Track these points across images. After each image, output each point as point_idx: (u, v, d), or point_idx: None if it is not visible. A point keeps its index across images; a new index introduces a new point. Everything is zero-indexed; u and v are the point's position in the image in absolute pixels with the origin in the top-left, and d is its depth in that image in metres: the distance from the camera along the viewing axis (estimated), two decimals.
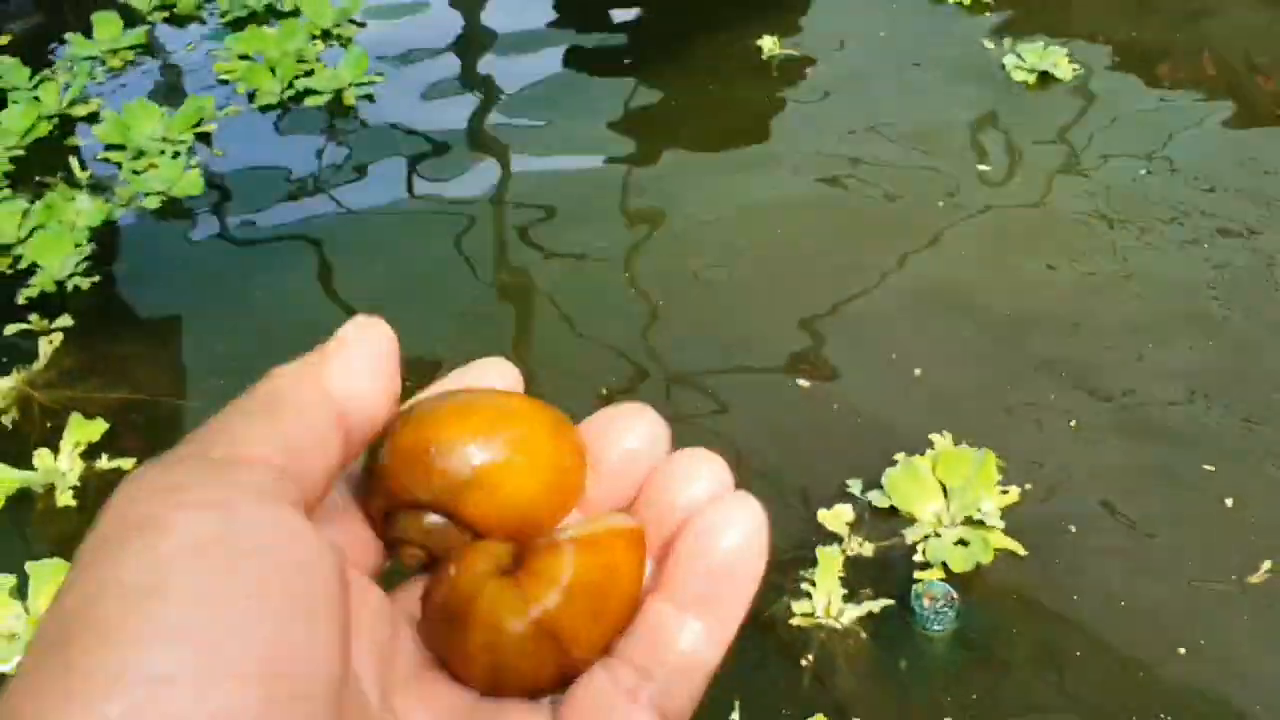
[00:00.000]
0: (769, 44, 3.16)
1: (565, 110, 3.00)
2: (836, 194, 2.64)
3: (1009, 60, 3.01)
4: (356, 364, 0.39)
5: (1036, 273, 2.40)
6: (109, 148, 2.85)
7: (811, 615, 1.77)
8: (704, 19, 3.31)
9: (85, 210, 2.61)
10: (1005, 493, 1.89)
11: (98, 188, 2.74)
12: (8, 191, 2.70)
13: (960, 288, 2.36)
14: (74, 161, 2.80)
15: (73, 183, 2.75)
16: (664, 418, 0.41)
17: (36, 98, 3.00)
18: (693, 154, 2.82)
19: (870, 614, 1.77)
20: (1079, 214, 2.54)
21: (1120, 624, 1.76)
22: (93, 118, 2.97)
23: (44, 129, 2.94)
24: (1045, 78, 2.97)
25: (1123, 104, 2.91)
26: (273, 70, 3.09)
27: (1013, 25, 3.17)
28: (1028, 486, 1.92)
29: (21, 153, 2.87)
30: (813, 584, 1.80)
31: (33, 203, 2.61)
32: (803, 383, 2.15)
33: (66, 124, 2.99)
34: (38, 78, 3.08)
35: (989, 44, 3.11)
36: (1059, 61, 2.97)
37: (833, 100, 2.97)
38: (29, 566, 1.81)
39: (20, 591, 1.81)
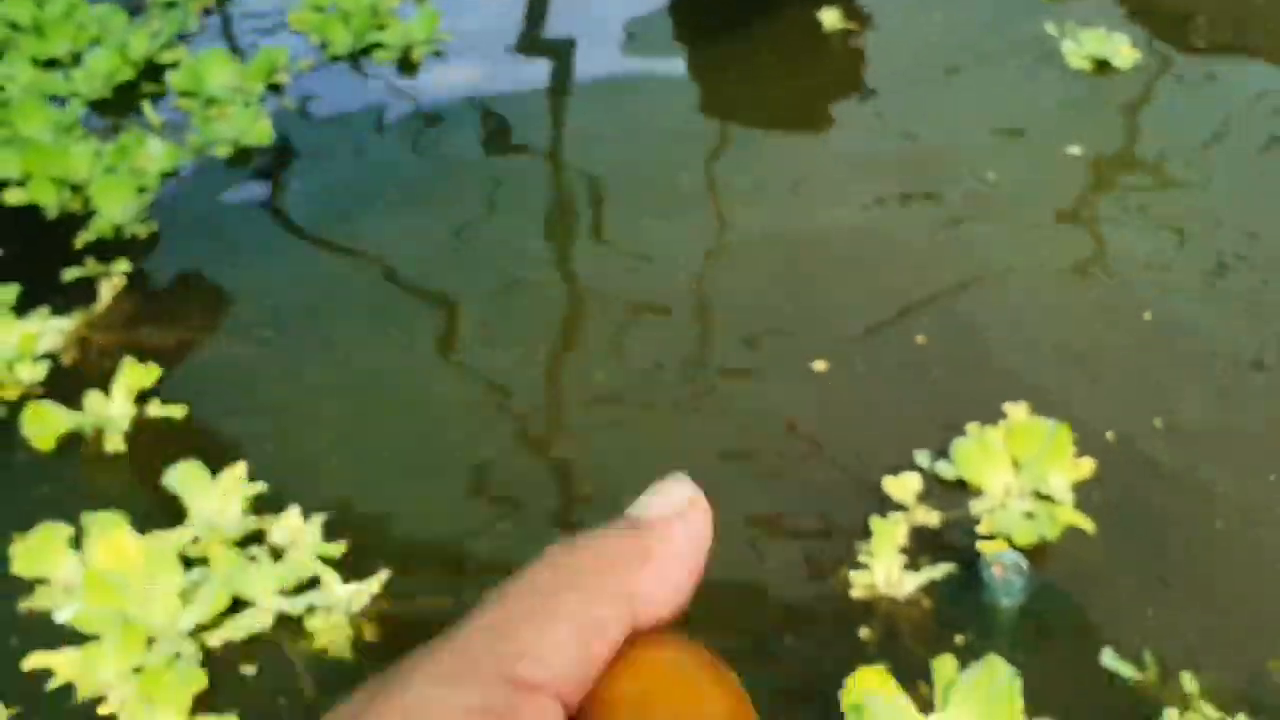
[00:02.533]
0: (830, 18, 3.11)
1: (635, 80, 2.97)
2: (910, 177, 2.60)
3: (1067, 45, 2.95)
4: (672, 568, 0.35)
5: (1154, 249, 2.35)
6: (183, 95, 2.83)
7: (873, 586, 1.74)
8: None
9: (155, 155, 2.60)
10: (1078, 467, 1.85)
11: (170, 133, 2.73)
12: (82, 131, 2.70)
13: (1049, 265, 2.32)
14: (148, 107, 2.79)
15: (146, 127, 2.74)
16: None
17: (125, 44, 2.99)
18: (754, 129, 2.79)
19: (933, 583, 1.73)
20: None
21: (1194, 606, 1.73)
22: (175, 65, 2.96)
23: (129, 73, 2.93)
24: (1103, 66, 2.92)
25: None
26: (345, 22, 3.06)
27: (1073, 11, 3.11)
28: (1101, 461, 1.86)
29: (108, 96, 2.87)
30: (871, 555, 1.76)
31: (104, 144, 2.61)
32: (919, 338, 2.11)
33: (150, 70, 2.97)
34: (131, 24, 3.09)
35: (1051, 29, 3.05)
36: (1120, 49, 2.91)
37: (893, 79, 2.93)
38: (85, 518, 1.77)
39: (76, 542, 1.78)
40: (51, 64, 2.98)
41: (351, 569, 1.77)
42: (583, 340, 2.18)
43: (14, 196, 2.52)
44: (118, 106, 2.85)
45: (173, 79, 2.85)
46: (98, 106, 2.84)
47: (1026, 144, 2.67)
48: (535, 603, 0.32)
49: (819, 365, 2.08)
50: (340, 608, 1.72)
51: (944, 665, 1.55)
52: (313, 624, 1.71)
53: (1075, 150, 2.63)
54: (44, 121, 2.67)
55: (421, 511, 1.89)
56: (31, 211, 2.49)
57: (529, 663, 0.31)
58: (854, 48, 3.03)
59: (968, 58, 2.98)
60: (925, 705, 1.55)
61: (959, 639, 1.67)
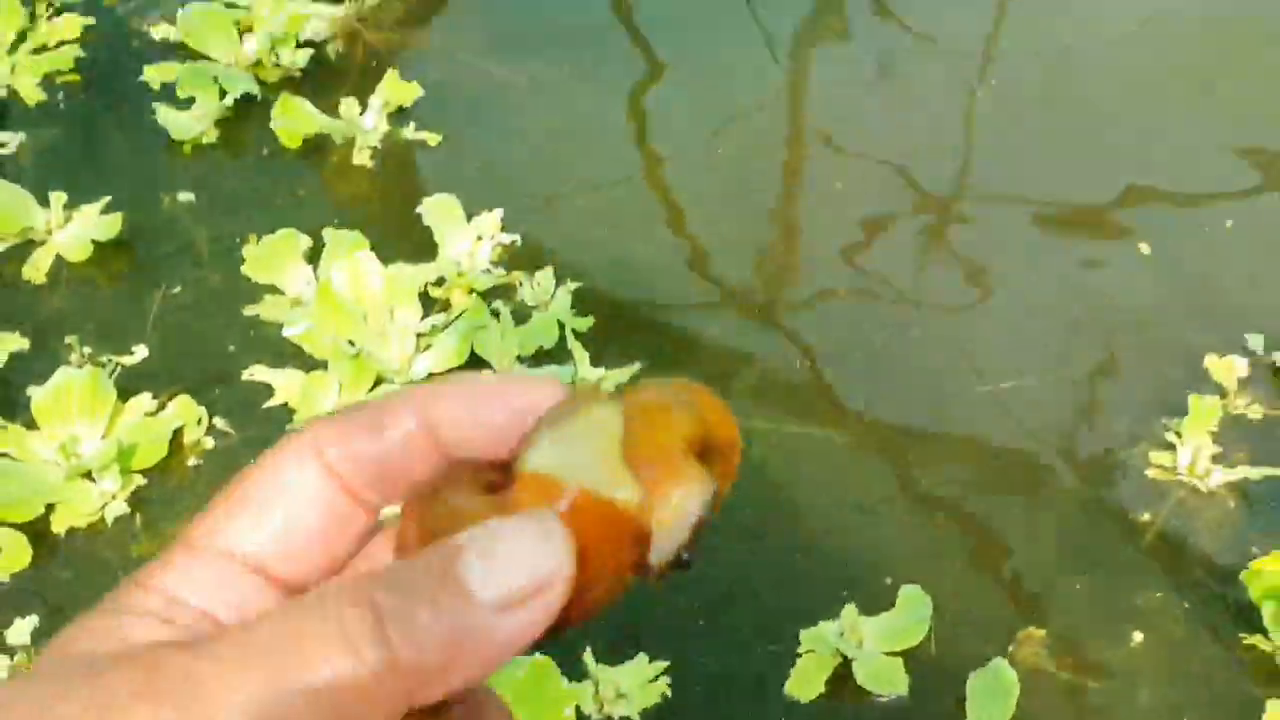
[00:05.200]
0: None
1: None
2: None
3: None
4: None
5: None
6: None
7: (1172, 470, 1.52)
8: None
9: None
10: None
11: None
12: None
13: None
14: None
15: None
16: None
17: None
18: None
19: (1246, 480, 1.50)
20: None
21: None
22: None
23: None
24: None
25: None
26: None
27: None
28: None
29: None
30: (1179, 435, 1.54)
31: None
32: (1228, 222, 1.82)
33: None
34: None
35: None
36: None
37: None
38: (328, 233, 1.65)
39: (313, 255, 1.66)
40: None
41: (600, 350, 1.60)
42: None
43: None
44: None
45: None
46: None
47: None
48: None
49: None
50: None
51: None
52: None
53: None
54: None
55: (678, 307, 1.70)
56: None
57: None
58: None
59: None
60: None
61: (1257, 548, 1.45)
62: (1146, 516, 1.48)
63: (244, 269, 1.64)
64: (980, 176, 1.87)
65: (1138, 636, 1.39)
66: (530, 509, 0.34)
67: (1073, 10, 2.09)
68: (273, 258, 1.63)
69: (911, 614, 1.35)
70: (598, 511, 0.35)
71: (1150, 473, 1.51)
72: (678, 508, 0.36)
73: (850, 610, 1.36)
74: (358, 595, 0.32)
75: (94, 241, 1.66)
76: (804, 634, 1.35)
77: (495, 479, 0.37)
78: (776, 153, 1.90)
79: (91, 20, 1.95)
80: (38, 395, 1.46)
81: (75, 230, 1.67)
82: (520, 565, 0.33)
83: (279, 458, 0.38)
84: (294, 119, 1.81)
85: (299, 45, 1.93)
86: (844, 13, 2.09)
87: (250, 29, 1.92)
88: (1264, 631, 1.36)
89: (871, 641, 1.34)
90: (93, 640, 0.33)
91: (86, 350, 1.57)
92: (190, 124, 1.80)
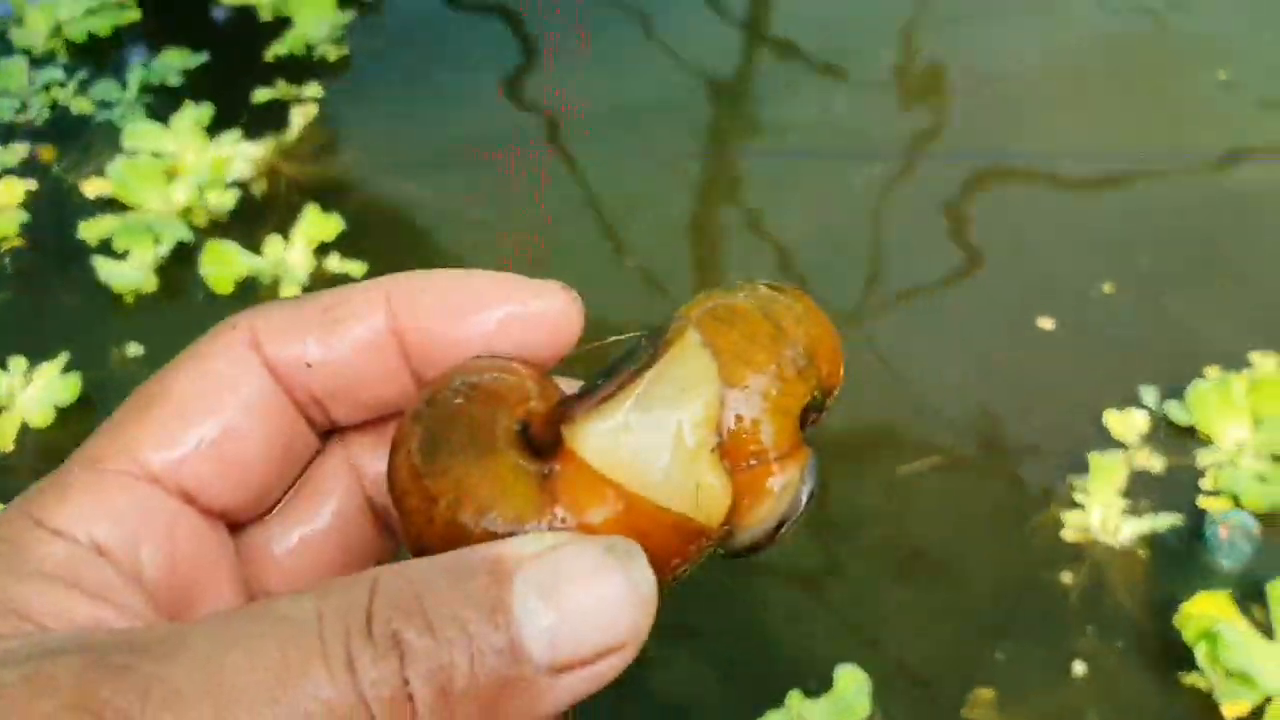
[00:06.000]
0: None
1: None
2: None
3: None
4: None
5: None
6: None
7: (1085, 528, 1.61)
8: None
9: None
10: None
11: None
12: None
13: None
14: None
15: None
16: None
17: None
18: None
19: (1154, 531, 1.59)
20: None
21: None
22: None
23: None
24: None
25: None
26: None
27: None
28: None
29: None
30: (1087, 494, 1.62)
31: None
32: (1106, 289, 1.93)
33: None
34: None
35: None
36: None
37: None
38: None
39: None
40: None
41: None
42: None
43: None
44: None
45: None
46: None
47: None
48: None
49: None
50: None
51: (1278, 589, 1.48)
52: None
53: None
54: None
55: None
56: (244, 12, 2.38)
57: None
58: None
59: None
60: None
61: (1179, 595, 1.54)
62: (1068, 579, 1.56)
63: None
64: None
65: (1081, 683, 1.47)
66: (608, 537, 0.27)
67: None
68: None
69: (851, 692, 1.42)
70: (679, 528, 0.29)
71: (1065, 534, 1.60)
72: (776, 501, 0.31)
73: (795, 696, 1.43)
74: (369, 618, 0.24)
75: (56, 407, 1.72)
76: None
77: (538, 415, 0.30)
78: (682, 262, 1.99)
79: (33, 184, 2.02)
80: None
81: (36, 394, 1.72)
82: (593, 624, 0.25)
83: (210, 349, 0.31)
84: (222, 265, 1.88)
85: (226, 187, 2.01)
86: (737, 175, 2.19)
87: (178, 176, 2.00)
88: (1199, 670, 1.45)
89: None
90: None
91: None
92: (130, 275, 1.87)
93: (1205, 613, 1.45)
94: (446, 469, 0.28)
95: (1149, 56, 2.27)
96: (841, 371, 0.34)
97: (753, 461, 0.30)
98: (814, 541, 1.61)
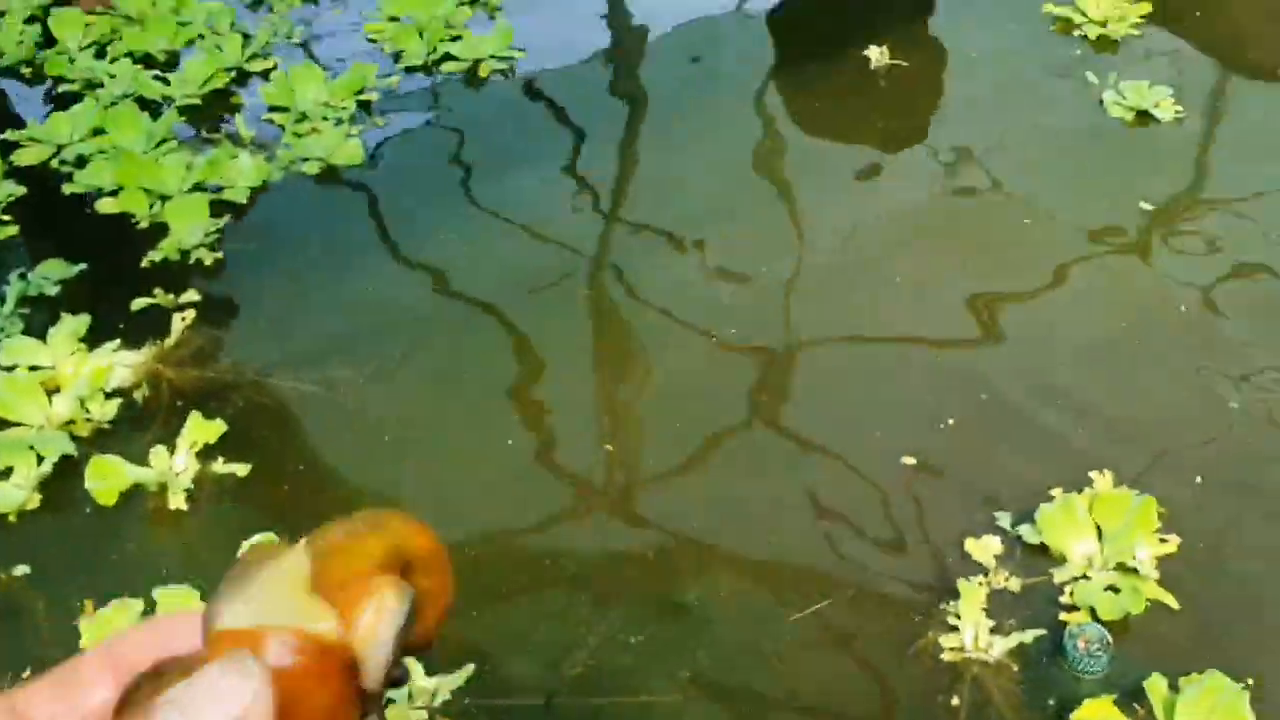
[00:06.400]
0: (876, 54, 2.93)
1: (699, 108, 2.85)
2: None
3: (1108, 96, 2.73)
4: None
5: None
6: (273, 109, 2.78)
7: (960, 649, 1.66)
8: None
9: (245, 170, 2.55)
10: (1164, 541, 1.74)
11: (260, 148, 2.68)
12: (174, 145, 2.66)
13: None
14: (240, 119, 2.75)
15: (237, 141, 2.69)
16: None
17: (219, 48, 2.96)
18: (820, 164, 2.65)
19: (1021, 646, 1.65)
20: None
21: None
22: (266, 75, 2.91)
23: (221, 80, 2.89)
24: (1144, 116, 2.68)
25: None
26: (420, 34, 3.01)
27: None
28: (1187, 538, 1.76)
29: (197, 102, 2.83)
30: (958, 616, 1.68)
31: (195, 157, 2.57)
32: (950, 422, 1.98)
33: (243, 77, 2.94)
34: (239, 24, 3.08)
35: (1093, 77, 2.83)
36: (1161, 102, 2.70)
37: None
38: (158, 593, 1.71)
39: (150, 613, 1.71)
40: (149, 61, 2.97)
41: (435, 658, 1.68)
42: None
43: (107, 206, 2.50)
44: (208, 116, 2.81)
45: (264, 92, 2.80)
46: (186, 112, 2.81)
47: None
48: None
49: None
50: (421, 699, 1.63)
51: (1157, 686, 1.55)
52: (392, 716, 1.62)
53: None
54: (138, 131, 2.63)
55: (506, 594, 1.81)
56: (120, 220, 2.46)
57: None
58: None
59: None
60: None
61: (1051, 702, 1.60)
62: (955, 701, 1.61)
63: (82, 644, 1.68)
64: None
65: None
66: (225, 654, 0.32)
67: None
68: (109, 630, 1.67)
69: None
70: (296, 647, 0.33)
71: (945, 656, 1.66)
72: (374, 618, 0.35)
73: None
74: None
75: None
76: None
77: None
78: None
79: None
80: None
81: None
82: (215, 704, 0.31)
83: None
84: (106, 478, 1.87)
85: (107, 396, 2.03)
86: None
87: (58, 388, 2.01)
88: None
89: None
90: None
91: None
92: (12, 493, 1.88)
93: (1096, 715, 1.52)
94: (141, 690, 0.34)
95: None
96: (430, 540, 0.41)
97: (347, 597, 0.36)
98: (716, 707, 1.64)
